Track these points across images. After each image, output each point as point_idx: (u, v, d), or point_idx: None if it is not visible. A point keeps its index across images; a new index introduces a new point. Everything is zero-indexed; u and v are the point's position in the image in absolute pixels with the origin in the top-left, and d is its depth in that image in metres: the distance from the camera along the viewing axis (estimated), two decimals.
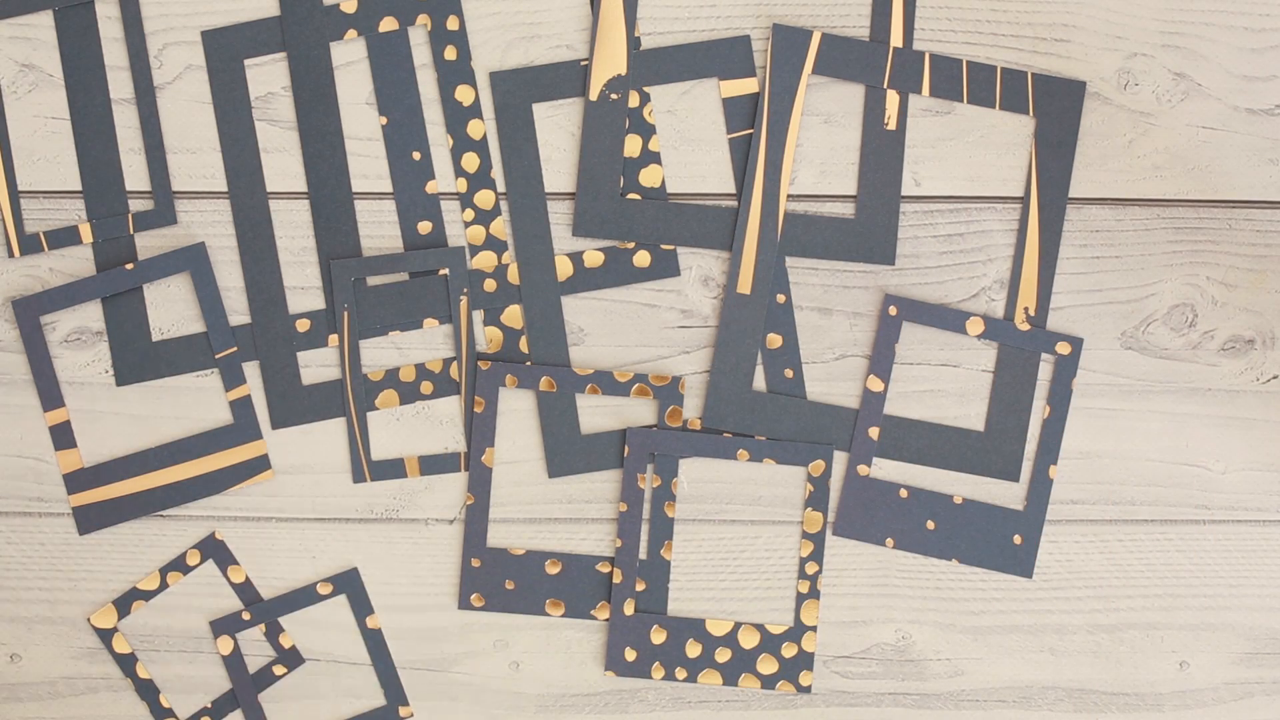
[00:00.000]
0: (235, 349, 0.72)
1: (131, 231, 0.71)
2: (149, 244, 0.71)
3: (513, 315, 0.72)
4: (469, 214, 0.72)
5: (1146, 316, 0.73)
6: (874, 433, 0.72)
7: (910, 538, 0.73)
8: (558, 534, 0.73)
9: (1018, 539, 0.73)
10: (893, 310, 0.72)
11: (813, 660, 0.73)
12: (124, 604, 0.73)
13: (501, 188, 0.72)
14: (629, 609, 0.73)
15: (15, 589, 0.73)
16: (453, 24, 0.71)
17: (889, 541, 0.73)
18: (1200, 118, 0.72)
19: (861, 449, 0.73)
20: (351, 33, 0.71)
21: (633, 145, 0.72)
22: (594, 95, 0.71)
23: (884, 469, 0.73)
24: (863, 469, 0.73)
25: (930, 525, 0.73)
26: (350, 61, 0.71)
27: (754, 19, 0.71)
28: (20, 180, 0.71)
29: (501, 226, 0.72)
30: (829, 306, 0.72)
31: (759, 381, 0.72)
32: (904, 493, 0.73)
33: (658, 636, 0.73)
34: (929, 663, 0.74)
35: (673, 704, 0.74)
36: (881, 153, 0.71)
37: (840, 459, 0.73)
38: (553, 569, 0.73)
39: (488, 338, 0.72)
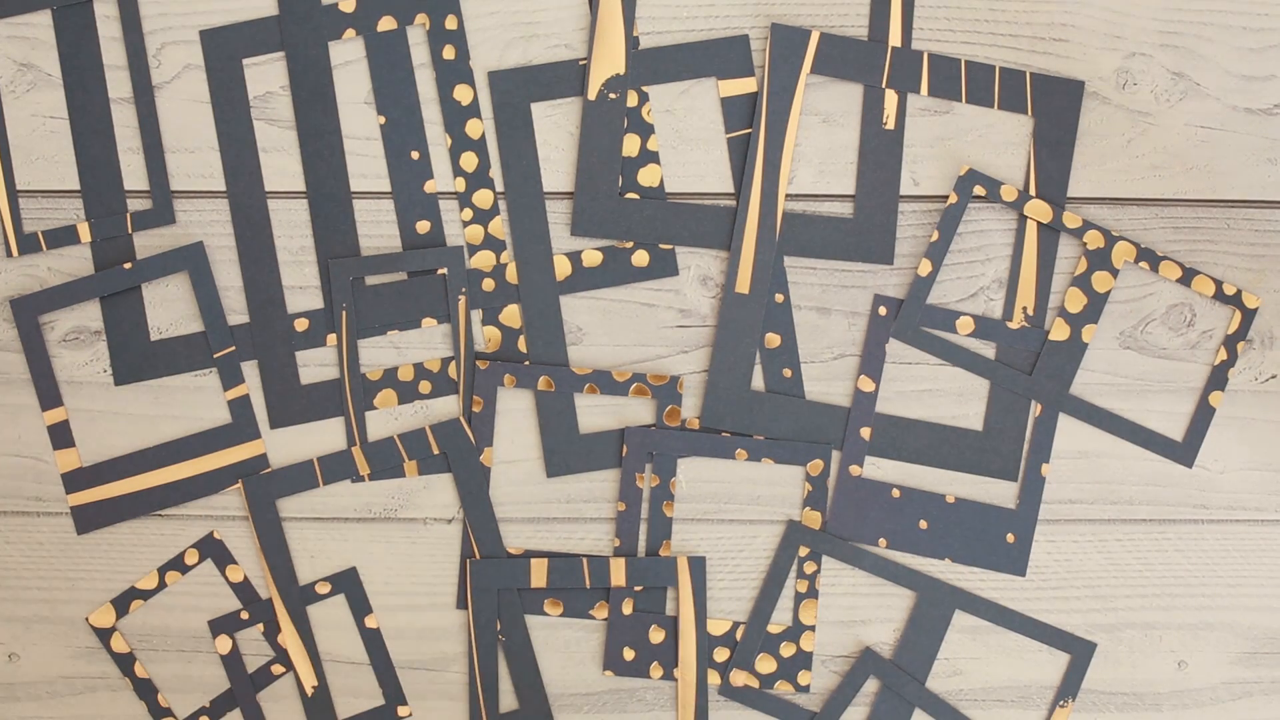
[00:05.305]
0: (233, 348, 0.72)
1: (130, 231, 0.71)
2: (147, 243, 0.71)
3: (511, 315, 0.72)
4: (467, 213, 0.72)
5: (1145, 316, 0.73)
6: (865, 433, 0.72)
7: (903, 538, 0.73)
8: (556, 534, 0.73)
9: (1011, 537, 0.73)
10: (882, 311, 0.72)
11: (811, 660, 0.73)
12: (122, 603, 0.73)
13: (500, 187, 0.72)
14: (628, 609, 0.73)
15: (14, 588, 0.73)
16: (451, 23, 0.71)
17: (882, 542, 0.73)
18: (1199, 117, 0.71)
19: (854, 449, 0.72)
20: (350, 32, 0.71)
21: (631, 145, 0.71)
22: (592, 95, 0.71)
23: (881, 468, 0.73)
24: (854, 469, 0.73)
25: (923, 525, 0.73)
26: (349, 61, 0.71)
27: (752, 19, 0.71)
28: (19, 179, 0.71)
29: (500, 226, 0.72)
30: (827, 306, 0.72)
31: (757, 381, 0.72)
32: (896, 493, 0.73)
33: (656, 636, 0.73)
34: None
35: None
36: (880, 152, 0.71)
37: (839, 458, 0.73)
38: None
39: (486, 337, 0.72)
